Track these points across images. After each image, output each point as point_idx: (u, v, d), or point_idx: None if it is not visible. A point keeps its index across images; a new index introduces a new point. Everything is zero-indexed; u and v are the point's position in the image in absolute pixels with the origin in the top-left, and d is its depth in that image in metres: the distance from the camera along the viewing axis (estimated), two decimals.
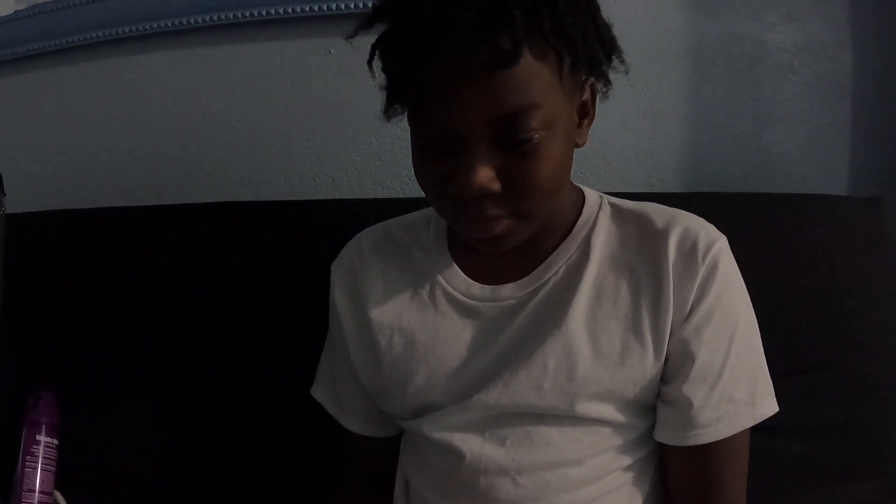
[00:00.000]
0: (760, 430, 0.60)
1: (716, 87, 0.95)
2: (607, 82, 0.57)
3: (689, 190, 0.96)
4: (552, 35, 0.49)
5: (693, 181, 0.97)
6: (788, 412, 0.59)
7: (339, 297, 0.66)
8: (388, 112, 0.55)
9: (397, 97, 0.53)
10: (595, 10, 0.53)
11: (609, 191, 0.96)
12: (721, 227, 0.60)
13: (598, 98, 0.58)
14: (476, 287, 0.61)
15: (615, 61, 0.56)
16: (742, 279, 0.59)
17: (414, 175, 0.56)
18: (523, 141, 0.50)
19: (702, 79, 0.95)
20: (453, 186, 0.51)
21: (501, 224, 0.53)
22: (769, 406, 0.58)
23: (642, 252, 0.58)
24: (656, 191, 0.96)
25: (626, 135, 0.95)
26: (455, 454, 0.58)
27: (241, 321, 0.84)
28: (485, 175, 0.50)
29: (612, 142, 0.95)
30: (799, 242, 0.81)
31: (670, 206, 0.62)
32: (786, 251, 0.80)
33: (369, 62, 0.54)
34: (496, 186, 0.51)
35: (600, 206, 0.63)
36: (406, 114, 0.55)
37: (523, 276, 0.60)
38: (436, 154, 0.52)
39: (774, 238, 0.80)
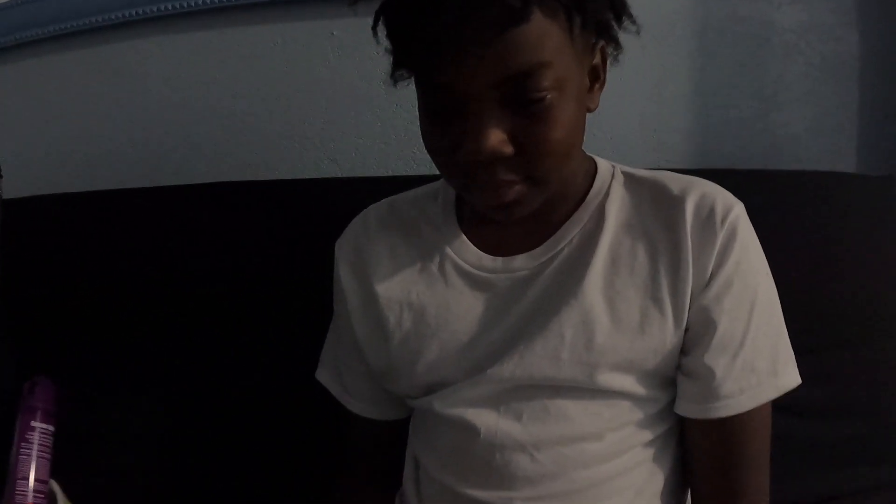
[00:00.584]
0: (777, 409, 0.58)
1: (722, 68, 0.94)
2: (618, 46, 0.56)
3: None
4: None
5: (699, 162, 0.96)
6: (803, 392, 0.58)
7: (344, 274, 0.64)
8: (395, 77, 0.54)
9: (403, 60, 0.52)
10: None
11: None
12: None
13: (609, 62, 0.56)
14: (487, 259, 0.59)
15: (626, 23, 0.55)
16: (760, 246, 0.58)
17: (418, 158, 0.55)
18: (535, 101, 0.48)
19: (707, 60, 0.94)
20: (463, 151, 0.50)
21: (514, 190, 0.52)
22: (792, 376, 0.57)
23: (659, 218, 0.56)
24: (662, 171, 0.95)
25: (632, 116, 0.94)
26: (469, 430, 0.56)
27: (243, 305, 0.83)
28: (496, 138, 0.49)
29: (618, 123, 0.94)
30: (809, 220, 0.80)
31: None
32: (796, 229, 0.79)
33: (374, 27, 0.52)
34: (508, 150, 0.49)
35: (613, 175, 0.61)
36: (413, 79, 0.53)
37: (536, 247, 0.58)
38: (444, 118, 0.51)
39: (785, 215, 0.79)
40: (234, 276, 0.83)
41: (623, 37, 0.56)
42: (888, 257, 0.83)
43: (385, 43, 0.52)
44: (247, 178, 0.98)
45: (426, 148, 0.55)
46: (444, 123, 0.51)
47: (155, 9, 0.98)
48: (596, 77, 0.56)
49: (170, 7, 0.98)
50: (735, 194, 0.59)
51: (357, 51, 0.95)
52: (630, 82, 0.93)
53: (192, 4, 0.97)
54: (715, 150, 0.96)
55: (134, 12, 0.99)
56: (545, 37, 0.48)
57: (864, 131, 0.95)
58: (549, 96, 0.49)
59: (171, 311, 0.84)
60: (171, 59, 1.00)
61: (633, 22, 0.55)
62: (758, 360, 0.55)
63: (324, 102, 0.97)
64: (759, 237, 0.58)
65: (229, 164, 1.00)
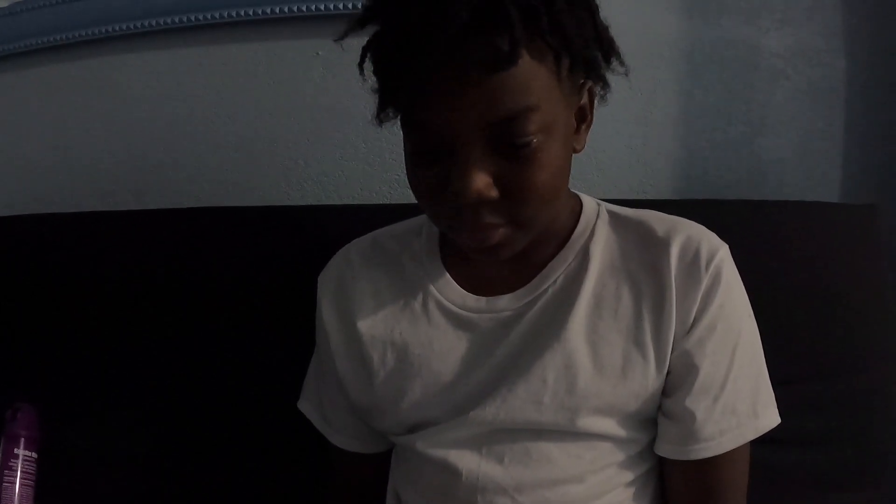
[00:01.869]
0: (760, 440, 0.59)
1: (709, 92, 0.94)
2: (605, 85, 0.56)
3: (682, 195, 0.95)
4: (550, 35, 0.47)
5: (686, 187, 0.96)
6: (786, 421, 0.59)
7: (326, 311, 0.64)
8: (381, 117, 0.53)
9: (389, 101, 0.51)
10: (594, 11, 0.52)
11: (601, 196, 0.96)
12: (720, 234, 0.59)
13: (596, 102, 0.56)
14: (471, 298, 0.59)
15: (614, 63, 0.54)
16: (743, 287, 0.58)
17: (404, 180, 0.54)
18: (521, 146, 0.48)
19: (695, 84, 0.94)
20: (448, 193, 0.49)
21: (498, 233, 0.51)
22: (771, 418, 0.57)
23: (643, 260, 0.56)
24: (649, 196, 0.95)
25: (619, 140, 0.94)
26: (451, 471, 0.56)
27: (226, 329, 0.82)
28: (481, 181, 0.48)
29: (605, 147, 0.94)
30: (793, 250, 0.80)
31: (666, 213, 0.60)
32: (780, 259, 0.79)
33: (360, 65, 0.52)
34: (493, 193, 0.49)
35: (598, 214, 0.61)
36: (399, 119, 0.53)
37: (519, 287, 0.58)
38: (430, 160, 0.50)
39: (769, 246, 0.79)
40: (220, 300, 0.82)
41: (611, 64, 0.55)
42: (871, 286, 0.84)
43: (371, 79, 0.52)
44: (230, 196, 0.98)
45: (411, 188, 0.54)
46: (429, 165, 0.51)
47: (139, 24, 0.97)
48: (583, 117, 0.56)
49: (153, 23, 0.97)
50: (719, 225, 0.60)
51: (343, 71, 0.94)
52: (617, 106, 0.91)
53: (177, 21, 0.96)
54: (701, 175, 0.96)
55: (117, 27, 0.98)
56: (532, 80, 0.47)
57: (850, 156, 0.96)
58: (535, 140, 0.48)
59: (152, 336, 0.83)
60: (154, 75, 0.99)
61: (622, 62, 0.55)
62: (738, 403, 0.55)
63: (309, 123, 0.97)
64: (742, 268, 0.58)
65: (213, 183, 0.99)
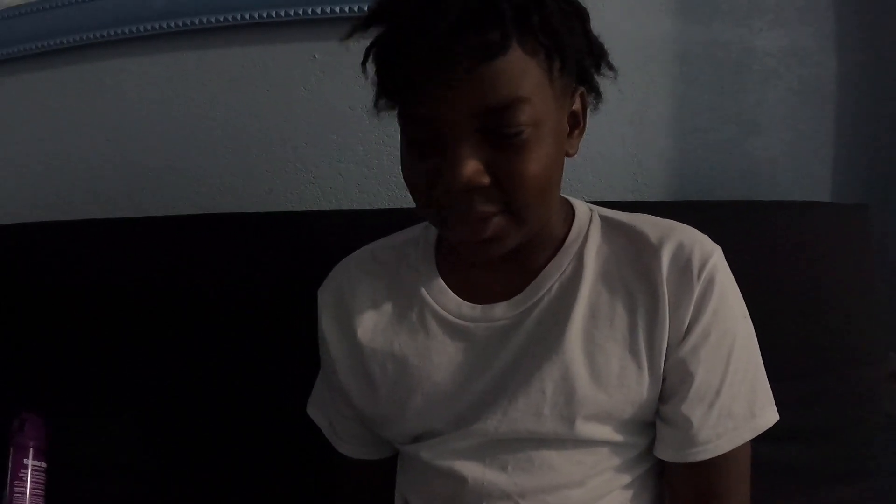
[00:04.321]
0: (757, 436, 0.60)
1: (702, 93, 0.95)
2: (598, 95, 0.57)
3: (675, 195, 0.96)
4: (542, 33, 0.48)
5: (678, 187, 0.97)
6: (781, 417, 0.59)
7: (326, 325, 0.64)
8: (378, 105, 0.53)
9: (384, 91, 0.52)
10: (585, 19, 0.53)
11: (596, 197, 0.96)
12: (708, 236, 0.59)
13: (588, 110, 0.57)
14: (466, 307, 0.59)
15: (604, 70, 0.55)
16: (738, 289, 0.58)
17: (401, 182, 0.55)
18: (512, 135, 0.49)
19: (688, 85, 0.95)
20: (441, 182, 0.50)
21: (492, 224, 0.51)
22: (769, 417, 0.58)
23: (636, 267, 0.57)
24: (643, 196, 0.96)
25: (613, 140, 0.95)
26: (457, 479, 0.58)
27: (227, 335, 0.83)
28: (472, 167, 0.49)
29: (599, 147, 0.95)
30: (784, 250, 0.81)
31: (658, 215, 0.61)
32: (772, 258, 0.80)
33: (363, 63, 0.53)
34: (484, 179, 0.49)
35: (591, 219, 0.61)
36: (396, 113, 0.53)
37: (515, 294, 0.58)
38: (423, 151, 0.51)
39: (760, 246, 0.80)
40: (219, 308, 0.83)
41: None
42: (862, 284, 0.85)
43: (372, 77, 0.52)
44: (228, 201, 0.98)
45: (406, 183, 0.54)
46: (423, 156, 0.51)
47: (134, 29, 0.97)
48: (576, 123, 0.56)
49: (149, 27, 0.97)
50: (712, 226, 0.60)
51: (339, 74, 0.95)
52: (612, 107, 0.91)
53: (173, 25, 0.96)
54: (694, 174, 0.96)
55: (112, 32, 0.98)
56: (524, 73, 0.48)
57: (841, 156, 0.97)
58: (526, 131, 0.49)
59: (155, 343, 0.84)
60: (150, 80, 0.99)
61: (612, 68, 0.56)
62: (735, 406, 0.56)
63: (306, 126, 0.97)
64: (735, 267, 0.59)
65: (210, 187, 0.99)
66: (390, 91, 0.51)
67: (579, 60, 0.53)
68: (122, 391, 0.85)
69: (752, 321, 0.60)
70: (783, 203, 0.89)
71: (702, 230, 0.60)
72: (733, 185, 0.96)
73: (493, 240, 0.52)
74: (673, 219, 0.60)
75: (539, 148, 0.50)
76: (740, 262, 0.60)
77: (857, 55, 0.95)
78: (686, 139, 0.96)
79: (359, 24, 0.52)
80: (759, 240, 0.81)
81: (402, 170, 0.54)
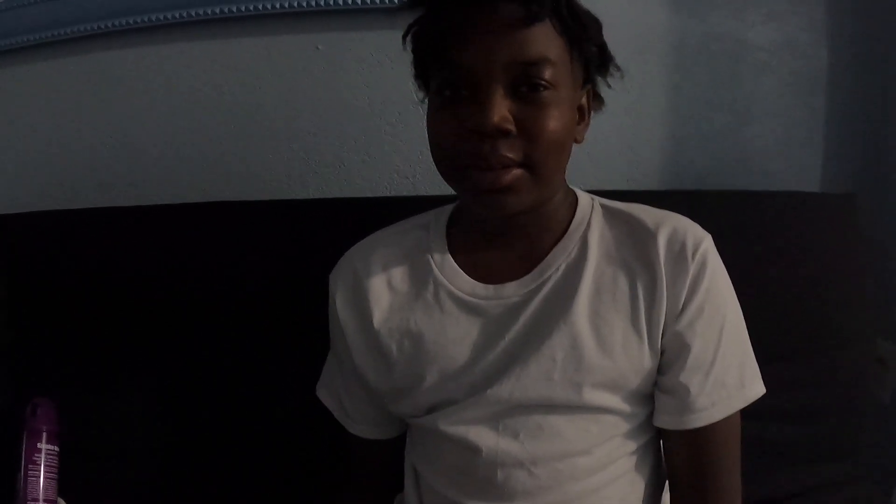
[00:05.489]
0: (747, 415, 0.63)
1: (697, 84, 0.97)
2: (601, 101, 0.64)
3: (669, 183, 0.99)
4: (570, 20, 0.56)
5: (673, 175, 0.99)
6: (770, 397, 0.63)
7: (340, 308, 0.67)
8: (416, 67, 0.60)
9: (430, 46, 0.58)
10: (601, 27, 0.60)
11: (592, 184, 0.97)
12: (702, 225, 0.63)
13: (592, 112, 0.63)
14: (479, 287, 0.63)
15: (611, 71, 0.62)
16: (726, 273, 0.63)
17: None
18: (537, 87, 0.55)
19: (683, 76, 0.97)
20: (471, 122, 0.54)
21: (511, 174, 0.56)
22: (757, 388, 0.62)
23: (635, 249, 0.61)
24: (638, 184, 0.99)
25: (610, 130, 0.97)
26: (471, 449, 0.61)
27: (238, 323, 0.84)
28: (502, 112, 0.54)
29: (596, 137, 0.94)
30: (776, 239, 0.84)
31: (654, 205, 0.65)
32: (763, 247, 0.83)
33: (404, 37, 0.60)
34: (511, 127, 0.55)
35: (592, 207, 0.65)
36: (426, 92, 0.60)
37: (524, 275, 0.62)
38: (456, 101, 0.56)
39: (752, 234, 0.83)
40: (231, 294, 0.85)
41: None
42: (850, 271, 0.88)
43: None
44: (232, 189, 0.99)
45: (433, 139, 0.59)
46: (454, 106, 0.56)
47: (138, 20, 0.98)
48: (581, 116, 0.62)
49: (153, 18, 0.98)
50: (706, 215, 0.64)
51: (342, 65, 0.97)
52: (608, 96, 0.94)
53: (176, 16, 0.97)
54: (688, 163, 0.99)
55: (119, 23, 0.99)
56: (553, 43, 0.56)
57: (831, 146, 0.99)
58: (548, 89, 0.55)
59: (164, 330, 0.85)
60: (156, 71, 1.00)
61: (618, 67, 0.62)
62: (727, 377, 0.60)
63: (310, 116, 0.99)
64: (728, 255, 0.63)
65: (214, 175, 1.00)
66: (436, 45, 0.57)
67: (590, 59, 0.60)
68: (131, 376, 0.86)
69: (743, 305, 0.63)
70: (773, 193, 0.91)
71: (695, 219, 0.63)
72: (726, 173, 0.99)
73: (509, 189, 0.56)
74: (667, 208, 0.64)
75: (557, 109, 0.56)
76: (732, 249, 0.64)
77: (848, 49, 0.97)
78: (681, 129, 0.98)
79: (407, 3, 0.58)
80: (751, 228, 0.83)
81: (428, 130, 0.59)
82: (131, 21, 0.99)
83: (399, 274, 0.66)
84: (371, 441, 0.71)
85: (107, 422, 0.86)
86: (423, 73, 0.60)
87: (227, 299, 0.85)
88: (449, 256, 0.65)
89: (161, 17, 0.98)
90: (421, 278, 0.65)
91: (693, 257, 0.59)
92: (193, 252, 0.86)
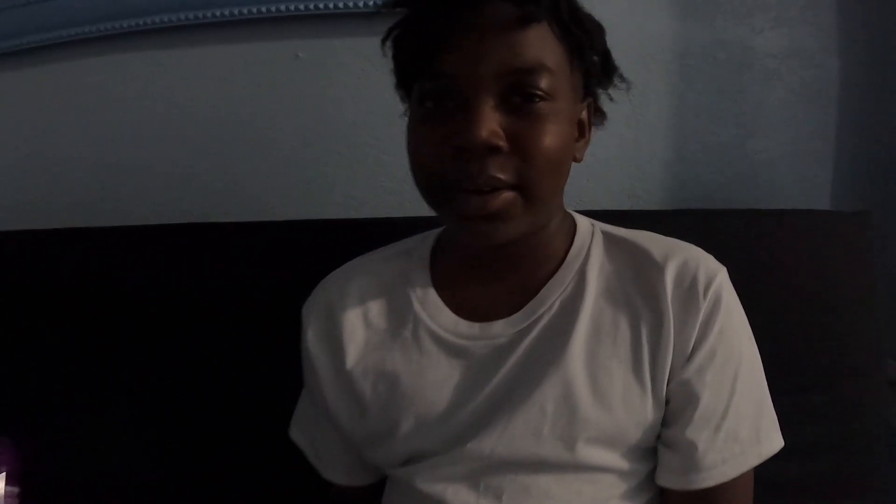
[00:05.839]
0: None
1: (702, 93, 0.92)
2: (602, 114, 0.58)
3: (673, 201, 0.94)
4: (570, 23, 0.51)
5: (677, 190, 0.94)
6: (784, 432, 0.58)
7: (312, 343, 0.61)
8: (398, 75, 0.55)
9: (410, 54, 0.52)
10: (603, 32, 0.54)
11: (592, 202, 0.94)
12: (709, 245, 0.58)
13: (593, 125, 0.58)
14: (463, 324, 0.57)
15: (615, 82, 0.57)
16: (742, 310, 0.56)
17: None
18: (532, 97, 0.49)
19: (688, 85, 0.92)
20: (458, 138, 0.48)
21: (502, 198, 0.49)
22: (775, 442, 0.56)
23: (639, 285, 0.55)
24: (640, 202, 0.94)
25: (610, 142, 0.92)
26: None
27: (212, 354, 0.80)
28: (492, 126, 0.48)
29: (596, 150, 0.89)
30: (785, 261, 0.79)
31: (657, 225, 0.59)
32: (772, 269, 0.78)
33: (383, 41, 0.54)
34: (502, 143, 0.49)
35: (592, 234, 0.59)
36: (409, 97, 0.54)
37: (514, 312, 0.56)
38: (440, 114, 0.50)
39: (762, 256, 0.78)
40: (206, 323, 0.80)
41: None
42: (863, 293, 0.83)
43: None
44: (209, 205, 0.95)
45: (413, 157, 0.53)
46: (439, 119, 0.50)
47: (113, 25, 0.94)
48: (581, 132, 0.56)
49: (128, 24, 0.93)
50: (712, 236, 0.59)
51: (324, 74, 0.92)
52: (608, 108, 0.89)
53: (151, 22, 0.92)
54: (693, 179, 0.94)
55: (91, 29, 0.94)
56: (550, 49, 0.50)
57: (842, 160, 0.94)
58: (545, 101, 0.50)
59: (132, 360, 0.81)
60: (129, 78, 0.96)
61: (624, 79, 0.57)
62: (741, 429, 0.54)
63: (289, 128, 0.94)
64: (735, 279, 0.57)
65: (191, 191, 0.96)
66: (417, 50, 0.50)
67: (592, 68, 0.54)
68: (98, 410, 0.81)
69: (753, 333, 0.58)
70: (784, 212, 0.86)
71: (701, 240, 0.58)
72: (732, 188, 0.94)
73: (500, 215, 0.50)
74: (670, 228, 0.59)
75: (554, 124, 0.50)
76: (741, 272, 0.58)
77: (861, 56, 0.92)
78: (685, 142, 0.93)
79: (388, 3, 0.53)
80: (759, 250, 0.78)
81: (408, 147, 0.53)
82: (105, 28, 0.94)
83: (377, 308, 0.60)
84: (345, 488, 0.65)
85: (71, 460, 0.81)
86: (406, 81, 0.54)
87: (202, 328, 0.80)
88: (432, 289, 0.59)
89: (136, 24, 0.93)
90: (400, 313, 0.59)
91: (705, 294, 0.53)
92: (168, 278, 0.81)
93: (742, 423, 0.54)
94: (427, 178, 0.52)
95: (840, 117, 0.93)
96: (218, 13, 0.90)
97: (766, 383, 0.57)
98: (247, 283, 0.79)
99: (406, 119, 0.55)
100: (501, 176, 0.49)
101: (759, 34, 0.91)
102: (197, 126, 0.95)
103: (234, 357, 0.79)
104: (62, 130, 0.99)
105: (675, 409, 0.54)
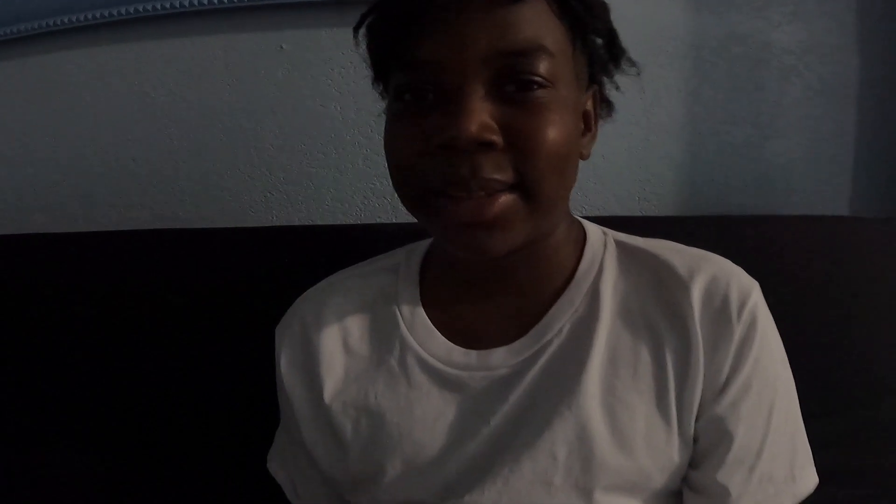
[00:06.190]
0: None
1: (716, 90, 0.87)
2: (610, 105, 0.52)
3: (685, 204, 0.88)
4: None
5: (689, 194, 0.88)
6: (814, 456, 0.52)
7: (287, 372, 0.54)
8: (374, 70, 0.47)
9: (385, 41, 0.44)
10: (608, 8, 0.48)
11: (599, 207, 0.88)
12: (723, 254, 0.51)
13: (599, 118, 0.51)
14: (458, 352, 0.49)
15: (623, 66, 0.50)
16: (777, 331, 0.50)
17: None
18: (528, 84, 0.42)
19: (701, 81, 0.86)
20: (440, 136, 0.41)
21: (499, 202, 0.42)
22: (810, 479, 0.50)
23: (661, 303, 0.48)
24: (650, 205, 0.88)
25: (619, 143, 0.86)
26: None
27: (188, 369, 0.74)
28: (482, 118, 0.41)
29: (604, 151, 0.86)
30: (806, 271, 0.74)
31: (670, 231, 0.53)
32: (792, 282, 0.73)
33: (356, 29, 0.47)
34: (495, 137, 0.42)
35: (605, 244, 0.52)
36: (386, 87, 0.47)
37: (517, 337, 0.49)
38: (421, 108, 0.43)
39: (783, 267, 0.73)
40: (183, 336, 0.75)
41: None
42: (888, 309, 0.77)
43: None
44: (187, 208, 0.89)
45: (391, 159, 0.46)
46: (421, 115, 0.43)
47: (82, 17, 0.87)
48: (587, 126, 0.50)
49: (97, 15, 0.87)
50: (730, 243, 0.52)
51: (309, 67, 0.86)
52: (617, 106, 0.84)
53: (124, 12, 0.86)
54: (706, 181, 0.88)
55: (58, 21, 0.88)
56: (549, 28, 0.43)
57: (862, 161, 0.89)
58: (543, 89, 0.42)
59: (98, 372, 0.76)
60: (99, 73, 0.89)
61: (633, 63, 0.50)
62: (776, 469, 0.48)
63: (272, 125, 0.88)
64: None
65: (167, 193, 0.90)
66: (392, 38, 0.44)
67: (596, 50, 0.48)
68: (67, 428, 0.76)
69: None
70: (802, 218, 0.81)
71: (715, 248, 0.51)
72: (747, 191, 0.88)
73: (497, 223, 0.43)
74: (682, 235, 0.52)
75: (557, 114, 0.43)
76: (763, 284, 0.51)
77: (882, 51, 0.86)
78: (698, 142, 0.87)
79: None
80: (779, 260, 0.73)
81: (385, 147, 0.46)
82: (73, 20, 0.87)
83: (358, 331, 0.52)
84: None
85: (38, 482, 0.75)
86: (383, 74, 0.47)
87: (179, 341, 0.75)
88: (421, 310, 0.52)
89: (106, 14, 0.87)
90: (385, 338, 0.52)
91: (739, 315, 0.46)
92: (143, 287, 0.76)
93: (777, 461, 0.48)
94: (406, 182, 0.45)
95: (861, 116, 0.88)
96: (196, 1, 0.83)
97: (800, 414, 0.51)
98: (225, 295, 0.74)
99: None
100: (498, 176, 0.42)
101: (776, 28, 0.85)
102: (171, 123, 0.89)
103: (209, 378, 0.74)
104: (27, 129, 0.93)
105: (704, 448, 0.47)
